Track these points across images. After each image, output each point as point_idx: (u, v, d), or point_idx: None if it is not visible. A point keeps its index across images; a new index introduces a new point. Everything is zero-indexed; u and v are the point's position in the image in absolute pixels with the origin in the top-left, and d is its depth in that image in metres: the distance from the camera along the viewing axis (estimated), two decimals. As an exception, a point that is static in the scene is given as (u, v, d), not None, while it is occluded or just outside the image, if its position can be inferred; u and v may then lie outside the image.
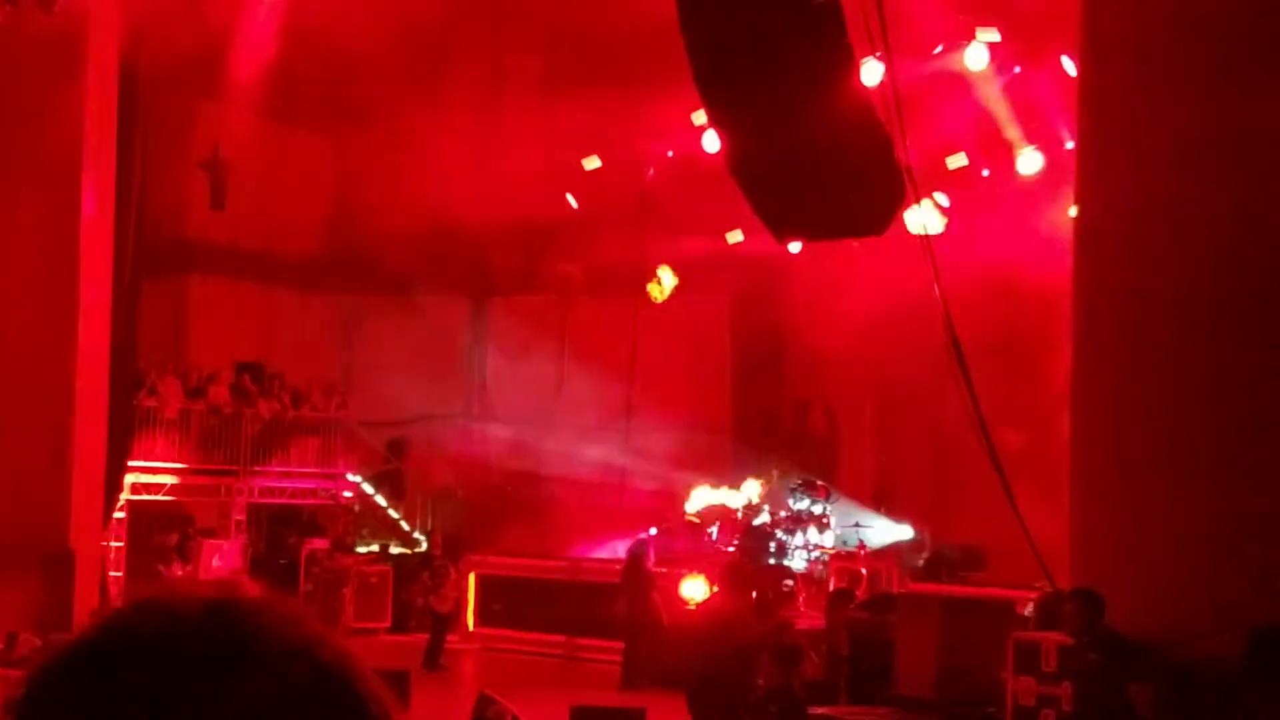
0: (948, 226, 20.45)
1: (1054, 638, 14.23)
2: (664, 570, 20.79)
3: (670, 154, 25.03)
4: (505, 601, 23.73)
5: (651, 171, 24.96)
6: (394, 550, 26.57)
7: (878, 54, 15.25)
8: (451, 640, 22.11)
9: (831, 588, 20.23)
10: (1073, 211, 14.90)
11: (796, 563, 21.05)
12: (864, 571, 20.82)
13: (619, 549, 24.01)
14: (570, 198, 25.75)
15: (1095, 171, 14.11)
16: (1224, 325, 12.93)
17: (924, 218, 16.73)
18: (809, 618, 19.40)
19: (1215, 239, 13.01)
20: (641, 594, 20.33)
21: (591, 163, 25.43)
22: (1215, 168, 13.03)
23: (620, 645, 21.01)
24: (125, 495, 24.59)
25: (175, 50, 21.38)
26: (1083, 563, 13.85)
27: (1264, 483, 12.62)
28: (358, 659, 1.30)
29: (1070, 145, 18.76)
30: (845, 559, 21.17)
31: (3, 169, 20.34)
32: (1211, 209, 12.96)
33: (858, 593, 19.92)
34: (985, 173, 22.36)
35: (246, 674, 1.23)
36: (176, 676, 1.22)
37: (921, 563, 20.88)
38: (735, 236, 23.82)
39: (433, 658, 21.32)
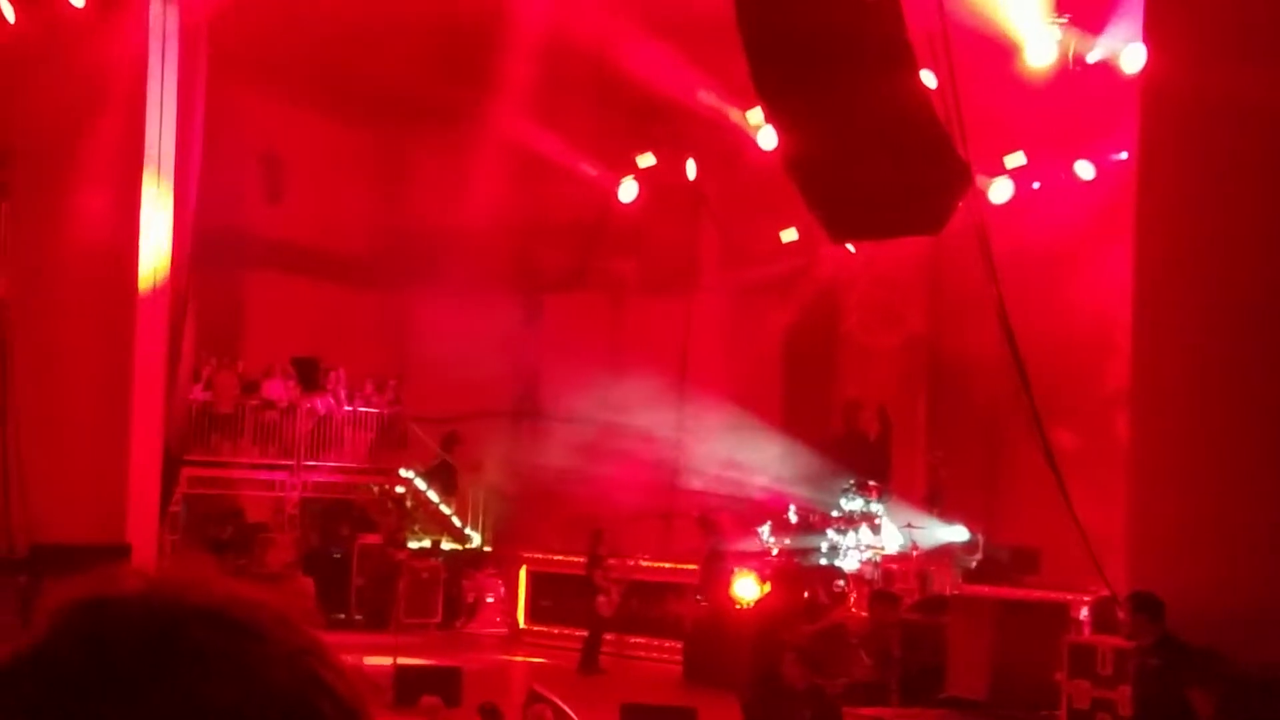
0: (1003, 227, 20.32)
1: (1110, 641, 14.14)
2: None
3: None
4: (554, 598, 23.76)
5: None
6: (445, 546, 26.64)
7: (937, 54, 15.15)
8: (498, 636, 22.15)
9: (879, 589, 20.14)
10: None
11: (849, 563, 20.96)
12: (894, 568, 20.76)
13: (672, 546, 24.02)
14: (623, 194, 25.72)
15: (1157, 171, 14.00)
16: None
17: (980, 216, 16.63)
18: (859, 619, 19.34)
19: (1277, 243, 12.90)
20: (722, 590, 20.37)
21: (646, 160, 25.39)
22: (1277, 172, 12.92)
23: (679, 645, 21.01)
24: (181, 489, 24.77)
25: (234, 44, 21.52)
26: (1139, 565, 13.74)
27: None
28: (331, 669, 1.23)
29: (1123, 156, 18.61)
30: (897, 560, 21.08)
31: (64, 161, 20.54)
32: (1275, 213, 12.85)
33: (904, 594, 19.83)
34: (1036, 185, 22.22)
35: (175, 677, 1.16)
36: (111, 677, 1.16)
37: (974, 564, 20.75)
38: (790, 234, 23.76)
39: (591, 661, 21.17)
